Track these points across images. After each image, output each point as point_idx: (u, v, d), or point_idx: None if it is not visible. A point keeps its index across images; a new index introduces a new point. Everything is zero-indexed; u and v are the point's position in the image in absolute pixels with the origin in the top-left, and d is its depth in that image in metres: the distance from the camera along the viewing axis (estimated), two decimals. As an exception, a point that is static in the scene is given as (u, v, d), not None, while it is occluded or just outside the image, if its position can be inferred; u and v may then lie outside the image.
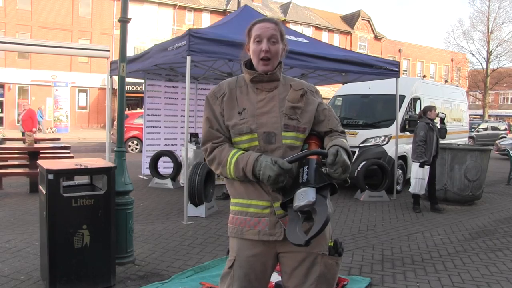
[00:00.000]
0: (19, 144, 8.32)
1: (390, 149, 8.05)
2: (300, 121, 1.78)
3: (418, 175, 6.60)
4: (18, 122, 21.56)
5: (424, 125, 6.63)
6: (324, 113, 1.86)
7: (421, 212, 6.69)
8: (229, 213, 1.88)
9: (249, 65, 1.85)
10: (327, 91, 27.05)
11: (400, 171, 8.44)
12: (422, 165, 6.54)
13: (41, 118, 24.89)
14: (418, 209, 6.74)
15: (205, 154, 1.84)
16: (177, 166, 8.17)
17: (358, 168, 7.62)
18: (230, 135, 1.80)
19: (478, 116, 36.94)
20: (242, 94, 1.82)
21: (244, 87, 1.85)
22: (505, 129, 24.97)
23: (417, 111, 9.40)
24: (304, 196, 1.57)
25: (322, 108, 1.87)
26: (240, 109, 1.79)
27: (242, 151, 1.74)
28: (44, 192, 3.26)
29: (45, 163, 3.43)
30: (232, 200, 1.85)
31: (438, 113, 7.46)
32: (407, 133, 8.63)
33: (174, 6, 31.02)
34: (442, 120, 7.53)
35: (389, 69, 7.53)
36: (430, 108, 6.89)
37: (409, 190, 6.84)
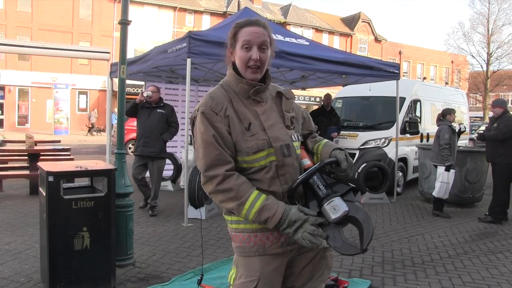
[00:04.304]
0: (20, 146, 8.31)
1: (391, 151, 8.04)
2: (296, 130, 1.78)
3: (443, 179, 6.36)
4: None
5: (447, 128, 6.43)
6: (303, 116, 1.88)
7: (449, 216, 6.55)
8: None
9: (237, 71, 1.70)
10: (327, 93, 26.93)
11: (401, 173, 8.44)
12: (448, 169, 6.31)
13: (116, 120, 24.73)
14: (446, 214, 6.56)
15: (214, 183, 1.56)
16: (177, 168, 8.17)
17: (359, 170, 7.62)
18: (236, 156, 1.61)
19: (479, 118, 36.89)
20: (240, 106, 1.65)
21: (236, 98, 1.67)
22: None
23: (417, 113, 9.42)
24: (337, 208, 1.57)
25: (301, 111, 1.89)
26: (246, 124, 1.62)
27: (264, 194, 1.57)
28: (44, 194, 3.26)
29: (45, 165, 3.43)
30: (242, 219, 1.68)
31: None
32: (408, 135, 8.65)
33: (174, 8, 31.07)
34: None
35: (389, 71, 7.52)
36: (450, 112, 6.71)
37: (433, 194, 6.61)
